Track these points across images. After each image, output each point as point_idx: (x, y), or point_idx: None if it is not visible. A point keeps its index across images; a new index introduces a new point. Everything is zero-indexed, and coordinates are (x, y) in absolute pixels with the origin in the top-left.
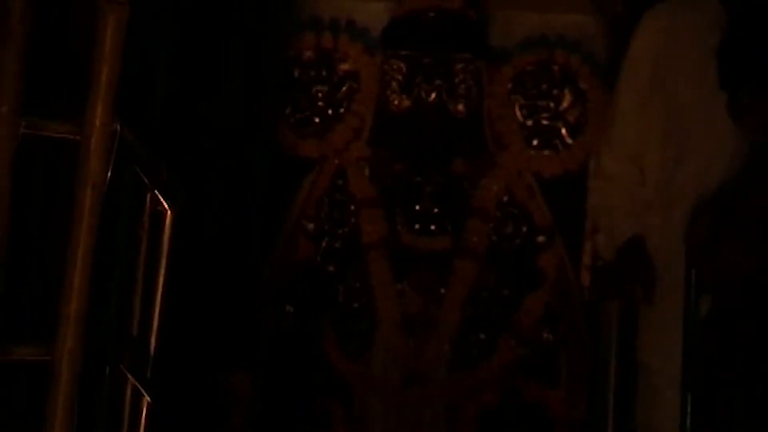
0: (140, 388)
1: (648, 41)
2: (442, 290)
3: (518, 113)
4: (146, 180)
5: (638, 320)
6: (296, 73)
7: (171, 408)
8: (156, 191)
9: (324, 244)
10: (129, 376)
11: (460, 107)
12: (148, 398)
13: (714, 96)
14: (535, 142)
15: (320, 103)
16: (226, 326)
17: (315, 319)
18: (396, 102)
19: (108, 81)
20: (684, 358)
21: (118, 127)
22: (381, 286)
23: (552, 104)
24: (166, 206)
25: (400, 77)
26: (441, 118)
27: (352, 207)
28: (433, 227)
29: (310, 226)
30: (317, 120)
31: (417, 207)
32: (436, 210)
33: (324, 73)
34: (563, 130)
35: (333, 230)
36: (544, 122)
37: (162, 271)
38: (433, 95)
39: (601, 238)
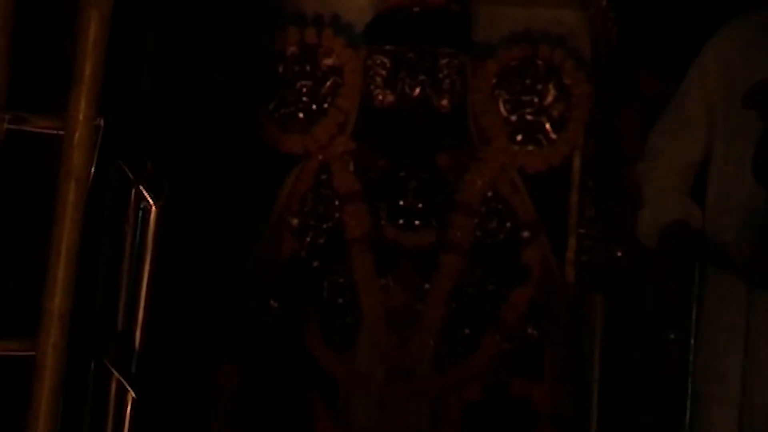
0: (125, 382)
1: (721, 52)
2: (427, 285)
3: (502, 108)
4: (131, 175)
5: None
6: (280, 68)
7: (156, 403)
8: (141, 186)
9: (308, 239)
10: (113, 370)
11: (444, 102)
12: (133, 393)
13: None
14: (519, 137)
15: (304, 98)
16: (212, 321)
17: (299, 314)
18: (380, 97)
19: (91, 75)
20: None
21: (102, 122)
22: (365, 281)
23: (536, 99)
24: (150, 201)
25: (384, 72)
26: (425, 113)
27: (336, 202)
28: (417, 222)
29: (294, 221)
30: (301, 115)
31: (401, 202)
32: (420, 205)
33: (308, 68)
34: (547, 125)
35: (317, 225)
36: (528, 117)
37: (147, 266)
38: (417, 90)
39: (645, 213)
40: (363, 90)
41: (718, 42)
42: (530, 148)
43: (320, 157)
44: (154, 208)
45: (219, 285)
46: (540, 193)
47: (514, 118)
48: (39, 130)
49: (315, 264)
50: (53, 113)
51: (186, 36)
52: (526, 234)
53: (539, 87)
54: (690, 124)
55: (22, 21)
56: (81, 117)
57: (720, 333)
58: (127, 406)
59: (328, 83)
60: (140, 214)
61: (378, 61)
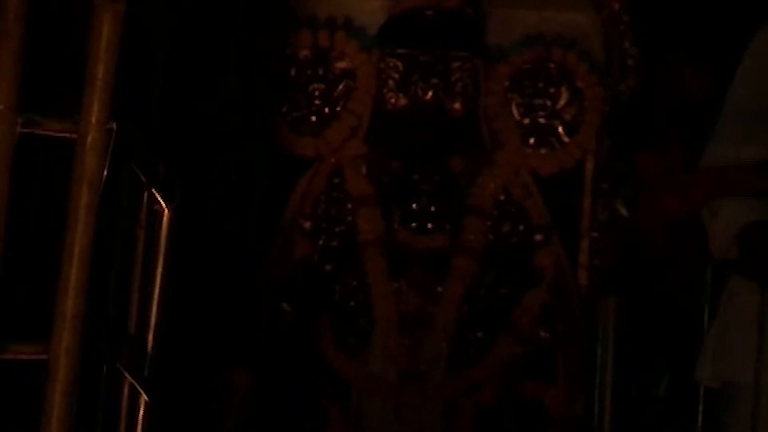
0: (137, 386)
1: (762, 56)
2: (440, 289)
3: (515, 111)
4: (143, 178)
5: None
6: (293, 72)
7: (169, 406)
8: (153, 189)
9: (321, 242)
10: (126, 374)
11: (457, 105)
12: (146, 397)
13: None
14: (531, 141)
15: (317, 102)
16: (224, 324)
17: (312, 317)
18: (393, 100)
19: (104, 78)
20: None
21: (115, 125)
22: (378, 285)
23: (549, 102)
24: (163, 204)
25: (396, 75)
26: (438, 116)
27: (349, 205)
28: (430, 225)
29: (307, 224)
30: (314, 118)
31: (414, 205)
32: (433, 208)
33: (321, 71)
34: (560, 129)
35: (330, 228)
36: (541, 120)
37: (159, 270)
38: (430, 93)
39: (718, 223)
40: (376, 93)
41: (756, 47)
42: (543, 151)
43: (333, 160)
44: (166, 211)
45: (231, 288)
46: (553, 197)
47: (526, 121)
48: (51, 134)
49: (327, 267)
50: (66, 116)
51: (198, 39)
52: (538, 237)
53: (552, 90)
54: (750, 126)
55: (34, 23)
56: (93, 120)
57: (735, 327)
58: (139, 410)
59: (341, 86)
60: (153, 217)
61: (391, 65)
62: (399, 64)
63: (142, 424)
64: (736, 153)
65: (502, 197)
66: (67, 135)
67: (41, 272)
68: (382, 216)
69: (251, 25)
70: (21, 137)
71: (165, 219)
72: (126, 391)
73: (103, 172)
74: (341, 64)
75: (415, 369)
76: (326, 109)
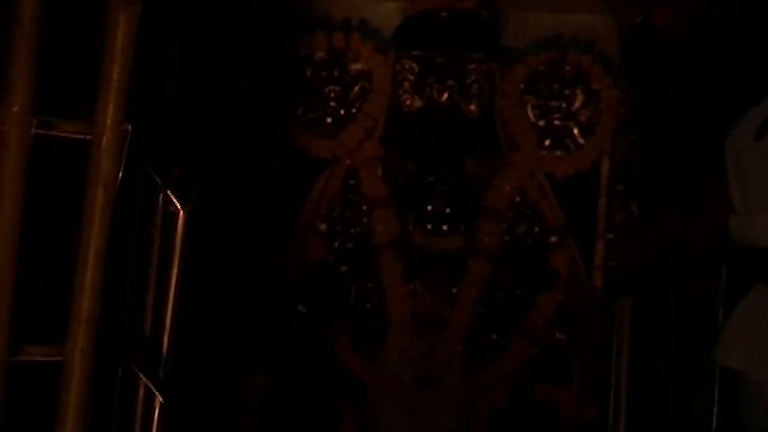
0: (152, 388)
1: None
2: (455, 290)
3: (530, 113)
4: (158, 180)
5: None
6: (308, 73)
7: (183, 407)
8: (168, 191)
9: (336, 244)
10: (141, 375)
11: (473, 107)
12: (161, 398)
13: None
14: (547, 143)
15: (332, 103)
16: (239, 325)
17: (327, 319)
18: (408, 102)
19: (119, 80)
20: None
21: (130, 127)
22: (393, 286)
23: (564, 104)
24: (178, 206)
25: (412, 77)
26: (453, 118)
27: (365, 207)
28: (445, 227)
29: (323, 226)
30: (329, 120)
31: (429, 207)
32: (448, 210)
33: (336, 73)
34: (575, 131)
35: (345, 230)
36: (557, 122)
37: (174, 271)
38: (446, 95)
39: (760, 222)
40: (391, 95)
41: None
42: (558, 153)
43: (348, 162)
44: (181, 212)
45: (246, 290)
46: (568, 198)
47: (542, 123)
48: (67, 135)
49: (343, 269)
50: (81, 118)
51: (213, 41)
52: (554, 239)
53: (567, 92)
54: None
55: (50, 26)
56: (109, 122)
57: (756, 317)
58: (154, 411)
59: (357, 88)
60: (168, 218)
61: (406, 66)
62: (414, 65)
63: (157, 426)
64: None
65: (517, 199)
66: (82, 136)
67: (56, 274)
68: (398, 218)
69: (266, 27)
70: (36, 139)
71: (180, 221)
72: (141, 392)
73: (118, 173)
74: (357, 66)
75: (429, 371)
76: (342, 111)
